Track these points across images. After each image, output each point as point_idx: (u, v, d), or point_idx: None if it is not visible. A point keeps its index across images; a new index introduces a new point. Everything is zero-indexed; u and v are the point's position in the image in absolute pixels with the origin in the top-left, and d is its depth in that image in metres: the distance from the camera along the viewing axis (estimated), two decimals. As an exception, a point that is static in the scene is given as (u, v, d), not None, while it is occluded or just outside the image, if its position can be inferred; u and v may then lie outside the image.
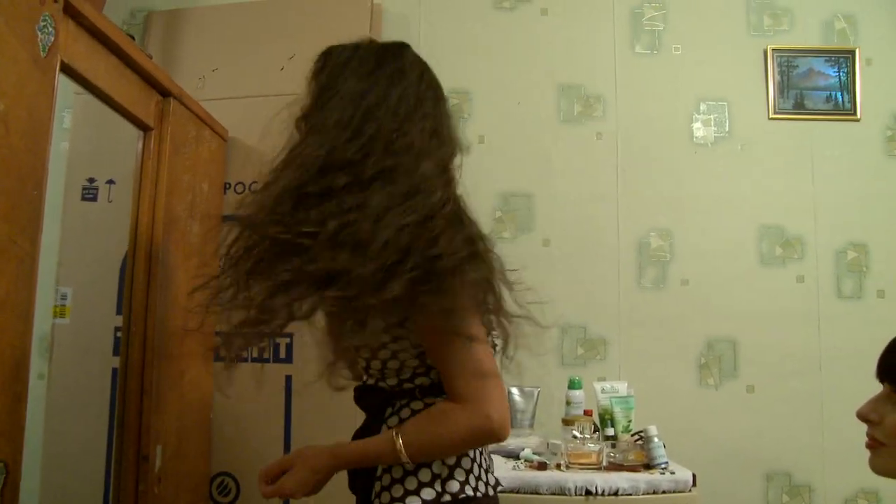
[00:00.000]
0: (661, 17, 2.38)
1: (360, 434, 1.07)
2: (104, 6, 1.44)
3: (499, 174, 2.29)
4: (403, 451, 0.95)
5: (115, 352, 1.75)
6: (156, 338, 1.53)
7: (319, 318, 0.99)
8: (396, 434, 0.96)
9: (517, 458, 1.80)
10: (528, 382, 2.01)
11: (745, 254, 2.27)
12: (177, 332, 1.66)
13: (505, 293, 0.99)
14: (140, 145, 1.58)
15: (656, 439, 1.73)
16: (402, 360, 1.02)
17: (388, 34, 2.23)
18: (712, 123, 2.33)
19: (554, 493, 1.62)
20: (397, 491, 0.98)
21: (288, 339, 1.89)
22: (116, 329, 1.75)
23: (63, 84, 1.15)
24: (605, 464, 1.70)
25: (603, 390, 1.94)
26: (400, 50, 1.06)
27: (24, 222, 1.02)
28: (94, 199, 1.84)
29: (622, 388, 1.96)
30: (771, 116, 2.32)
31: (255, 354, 1.10)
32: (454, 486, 0.99)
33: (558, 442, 1.81)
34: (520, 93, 2.34)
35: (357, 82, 0.99)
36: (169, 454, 1.60)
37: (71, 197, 1.84)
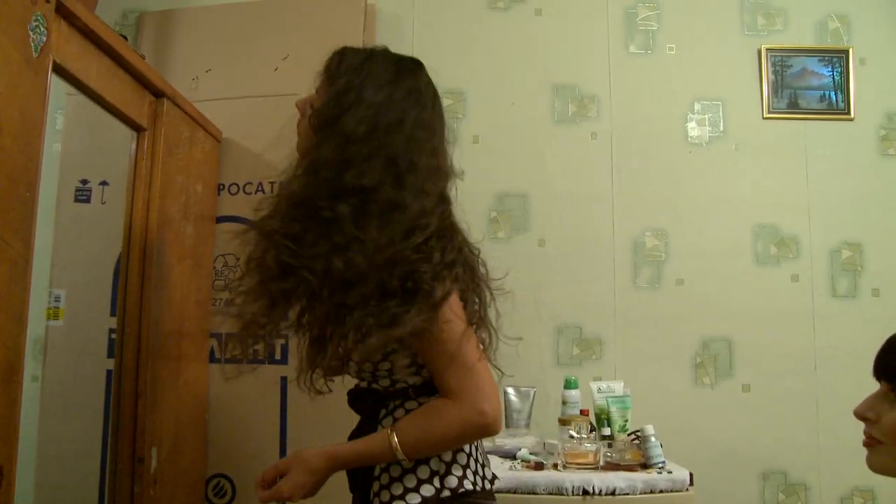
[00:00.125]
0: (656, 16, 2.38)
1: (355, 435, 1.07)
2: (96, 6, 1.43)
3: (494, 174, 2.28)
4: (399, 448, 0.97)
5: (110, 353, 1.74)
6: (150, 339, 1.53)
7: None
8: (391, 432, 0.97)
9: (514, 458, 1.80)
10: (524, 382, 2.01)
11: (740, 253, 2.27)
12: (172, 333, 1.65)
13: (487, 297, 1.06)
14: (133, 146, 1.57)
15: (653, 439, 1.73)
16: (393, 361, 1.02)
17: (382, 34, 2.22)
18: (707, 123, 2.34)
19: (551, 493, 1.61)
20: (397, 489, 0.99)
21: (283, 341, 1.89)
22: (111, 331, 1.75)
23: (55, 85, 1.14)
24: (601, 463, 1.70)
25: (599, 390, 1.94)
26: (416, 67, 1.10)
27: (16, 224, 1.01)
28: (88, 200, 1.83)
29: (618, 387, 1.96)
30: (765, 116, 2.32)
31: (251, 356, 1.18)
32: (452, 481, 1.00)
33: (555, 442, 1.81)
34: (514, 93, 2.34)
35: (375, 92, 1.02)
36: (164, 456, 1.59)
37: (64, 198, 1.83)
